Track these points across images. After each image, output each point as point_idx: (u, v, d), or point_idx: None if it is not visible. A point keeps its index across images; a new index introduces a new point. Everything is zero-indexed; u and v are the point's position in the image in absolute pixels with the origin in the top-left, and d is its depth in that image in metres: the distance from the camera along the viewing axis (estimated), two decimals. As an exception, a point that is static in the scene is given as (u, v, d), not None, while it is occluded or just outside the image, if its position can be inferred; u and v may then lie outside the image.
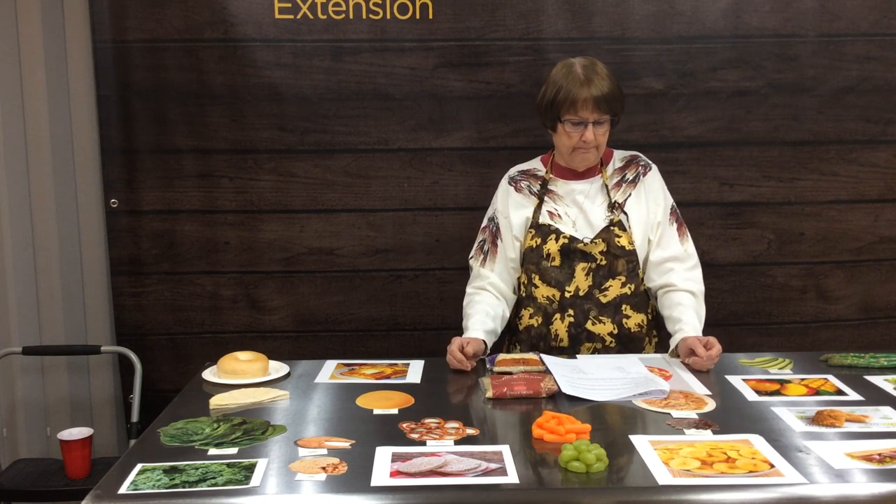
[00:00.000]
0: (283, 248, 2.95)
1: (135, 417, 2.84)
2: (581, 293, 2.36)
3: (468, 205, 2.93)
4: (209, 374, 2.13)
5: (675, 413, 1.82)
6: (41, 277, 2.96)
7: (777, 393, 1.96)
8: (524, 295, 2.45)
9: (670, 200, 2.47)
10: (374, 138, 2.90)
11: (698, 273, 2.42)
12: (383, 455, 1.60)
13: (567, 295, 2.36)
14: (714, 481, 1.48)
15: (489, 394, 1.94)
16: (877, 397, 1.93)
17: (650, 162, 2.49)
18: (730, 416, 1.82)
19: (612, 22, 2.86)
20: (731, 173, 2.96)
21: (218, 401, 1.92)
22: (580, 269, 2.36)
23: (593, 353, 2.34)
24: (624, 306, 2.37)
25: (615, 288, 2.37)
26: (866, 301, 3.06)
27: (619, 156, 2.48)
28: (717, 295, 2.94)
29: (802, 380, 2.06)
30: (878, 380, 2.05)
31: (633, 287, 2.39)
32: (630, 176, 2.44)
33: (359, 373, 2.15)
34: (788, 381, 2.04)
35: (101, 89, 2.84)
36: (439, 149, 2.91)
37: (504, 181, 2.53)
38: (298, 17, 2.81)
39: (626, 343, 2.37)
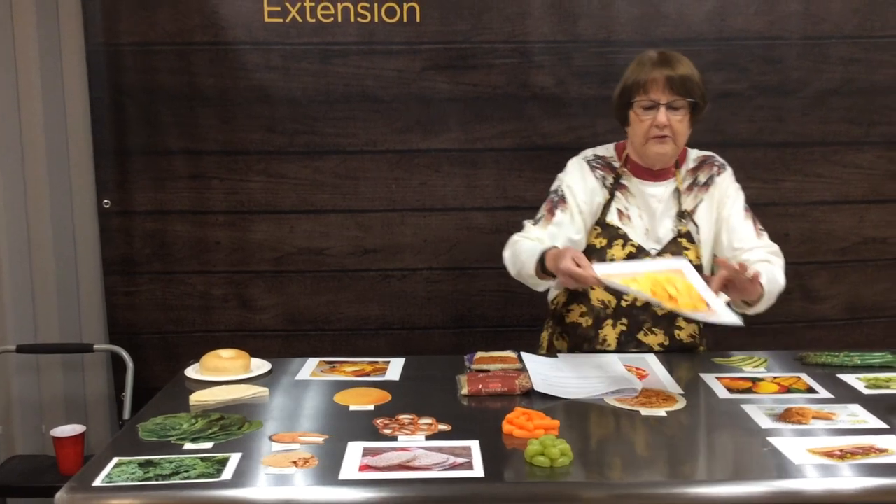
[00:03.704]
0: (273, 248, 2.99)
1: (126, 415, 2.87)
2: (638, 303, 2.25)
3: (455, 205, 2.97)
4: (192, 372, 2.16)
5: (644, 411, 1.84)
6: (36, 277, 3.01)
7: (749, 391, 1.98)
8: (578, 291, 2.30)
9: (742, 198, 2.29)
10: (362, 140, 2.93)
11: (780, 260, 2.22)
12: (354, 450, 1.62)
13: (623, 304, 2.26)
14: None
15: (464, 391, 1.97)
16: (847, 395, 1.95)
17: (725, 163, 2.34)
18: (699, 412, 1.85)
19: (598, 25, 2.88)
20: (716, 174, 2.98)
21: (198, 397, 1.95)
22: None
23: None
24: (678, 319, 2.26)
25: None
26: (851, 301, 3.08)
27: (692, 155, 2.33)
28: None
29: (775, 378, 2.08)
30: (850, 378, 2.06)
31: None
32: (702, 178, 2.29)
33: (339, 370, 2.18)
34: (761, 380, 2.06)
35: (93, 91, 2.89)
36: (427, 150, 2.95)
37: (577, 160, 2.33)
38: (287, 20, 2.85)
39: (675, 353, 2.27)
